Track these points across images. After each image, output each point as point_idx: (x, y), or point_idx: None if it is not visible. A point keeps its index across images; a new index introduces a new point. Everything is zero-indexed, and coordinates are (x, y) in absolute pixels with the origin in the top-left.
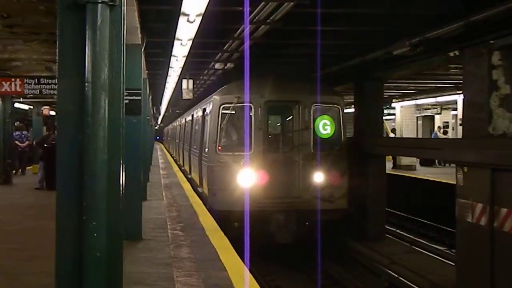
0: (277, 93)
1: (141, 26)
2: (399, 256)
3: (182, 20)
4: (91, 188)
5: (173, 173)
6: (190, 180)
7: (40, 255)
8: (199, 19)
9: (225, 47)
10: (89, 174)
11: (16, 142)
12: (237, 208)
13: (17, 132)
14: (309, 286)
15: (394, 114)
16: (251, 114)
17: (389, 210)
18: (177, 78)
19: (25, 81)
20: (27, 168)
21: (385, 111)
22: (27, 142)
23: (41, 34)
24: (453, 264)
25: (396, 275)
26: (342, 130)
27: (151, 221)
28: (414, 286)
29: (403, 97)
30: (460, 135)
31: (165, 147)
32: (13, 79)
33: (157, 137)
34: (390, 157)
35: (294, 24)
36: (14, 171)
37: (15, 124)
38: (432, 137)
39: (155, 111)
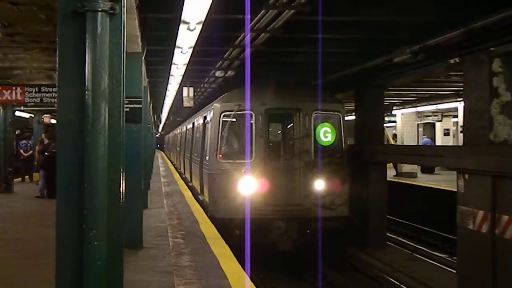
0: (278, 101)
1: (142, 34)
2: (401, 264)
3: (182, 28)
4: (91, 197)
5: (174, 181)
6: (191, 188)
7: (40, 263)
8: (199, 27)
9: (225, 55)
10: (89, 182)
11: (21, 151)
12: (238, 216)
13: (24, 141)
14: None
15: (395, 122)
16: (252, 121)
17: (391, 217)
18: (177, 86)
19: (25, 90)
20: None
21: (386, 119)
22: (31, 151)
23: (41, 43)
24: (455, 271)
25: (397, 283)
26: (343, 138)
27: (152, 229)
28: None
29: (403, 104)
30: (461, 142)
31: (166, 155)
32: (13, 88)
33: (158, 145)
34: (391, 164)
35: (294, 31)
36: (20, 179)
37: (16, 132)
38: (423, 143)
39: (156, 119)
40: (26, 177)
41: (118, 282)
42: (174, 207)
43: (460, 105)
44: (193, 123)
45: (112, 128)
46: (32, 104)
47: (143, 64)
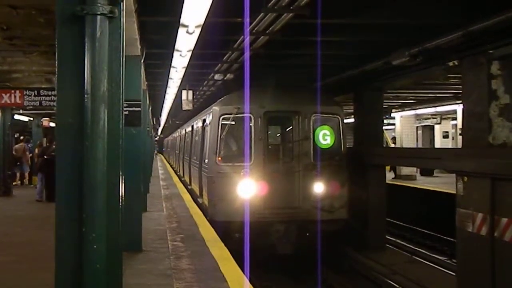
0: (277, 104)
1: (141, 37)
2: (400, 266)
3: (181, 31)
4: (90, 200)
5: (173, 184)
6: (190, 191)
7: (39, 267)
8: (198, 30)
9: (224, 58)
10: (88, 185)
11: None
12: (237, 218)
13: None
14: None
15: (394, 124)
16: (251, 124)
17: (389, 220)
18: (176, 89)
19: (25, 93)
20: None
21: (385, 121)
22: (30, 155)
23: (40, 46)
24: (454, 274)
25: (396, 285)
26: (342, 140)
27: (151, 232)
28: None
29: (402, 107)
30: (460, 145)
31: (165, 158)
32: (13, 91)
33: (157, 148)
34: (389, 167)
35: (293, 34)
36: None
37: (15, 136)
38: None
39: (155, 122)
40: (25, 180)
41: (117, 285)
42: (173, 210)
43: (459, 108)
44: (192, 126)
45: (111, 131)
46: (31, 107)
47: (142, 67)
